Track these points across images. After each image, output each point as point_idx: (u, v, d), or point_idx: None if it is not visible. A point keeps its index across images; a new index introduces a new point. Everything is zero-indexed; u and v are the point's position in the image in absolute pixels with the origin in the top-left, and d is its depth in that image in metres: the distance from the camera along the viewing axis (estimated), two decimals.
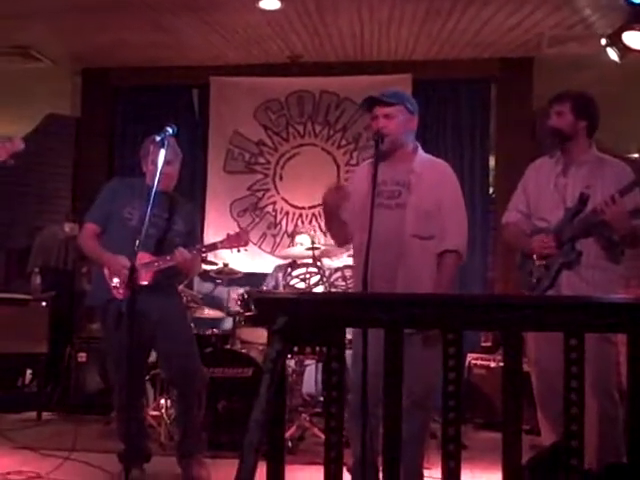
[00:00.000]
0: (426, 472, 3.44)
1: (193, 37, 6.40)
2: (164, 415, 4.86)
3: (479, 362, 5.90)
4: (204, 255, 4.90)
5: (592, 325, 2.08)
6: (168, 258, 3.86)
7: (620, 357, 3.51)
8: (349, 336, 3.94)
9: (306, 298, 2.49)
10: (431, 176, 3.45)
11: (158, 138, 3.63)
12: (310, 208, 6.97)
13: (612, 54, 4.82)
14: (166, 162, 3.64)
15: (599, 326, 2.13)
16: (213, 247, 4.08)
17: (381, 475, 2.17)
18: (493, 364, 5.78)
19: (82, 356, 5.90)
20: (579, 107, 3.65)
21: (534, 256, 3.67)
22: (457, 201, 3.49)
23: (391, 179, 3.43)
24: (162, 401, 4.99)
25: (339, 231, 3.62)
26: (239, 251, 4.05)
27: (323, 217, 3.79)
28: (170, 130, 3.64)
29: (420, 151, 3.55)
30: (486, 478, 3.80)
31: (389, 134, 3.39)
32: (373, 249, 3.07)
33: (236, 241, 4.02)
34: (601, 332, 2.77)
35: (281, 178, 7.09)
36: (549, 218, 3.68)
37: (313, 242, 5.48)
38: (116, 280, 3.83)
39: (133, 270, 3.35)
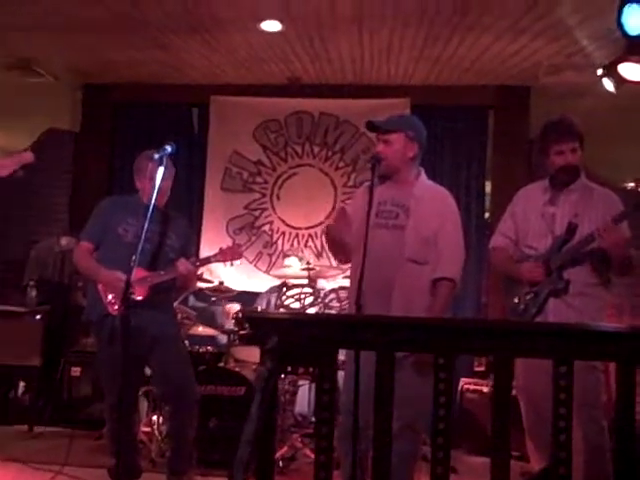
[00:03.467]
0: None
1: (194, 56, 6.45)
2: (156, 431, 4.85)
3: (472, 387, 5.90)
4: (199, 273, 4.94)
5: (582, 352, 2.11)
6: (162, 273, 3.89)
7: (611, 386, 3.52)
8: (342, 357, 3.97)
9: (298, 318, 2.52)
10: (431, 202, 3.49)
11: (157, 156, 3.66)
12: (307, 229, 7.00)
13: (608, 84, 4.88)
14: (162, 179, 3.68)
15: (589, 354, 2.16)
16: (207, 261, 4.11)
17: None
18: (486, 389, 5.77)
19: (76, 370, 5.89)
20: (582, 141, 3.69)
21: (522, 283, 3.69)
22: (455, 229, 3.51)
23: (391, 199, 3.48)
24: (154, 417, 4.98)
25: (342, 251, 3.65)
26: (232, 265, 4.08)
27: (325, 240, 3.84)
28: (169, 148, 3.66)
29: (423, 177, 3.60)
30: None
31: (385, 159, 3.46)
32: (368, 268, 3.12)
33: (229, 255, 4.05)
34: (590, 360, 2.80)
35: (278, 198, 7.12)
36: (536, 246, 3.70)
37: (308, 262, 5.50)
38: (111, 296, 3.85)
39: (128, 285, 3.38)
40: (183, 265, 3.87)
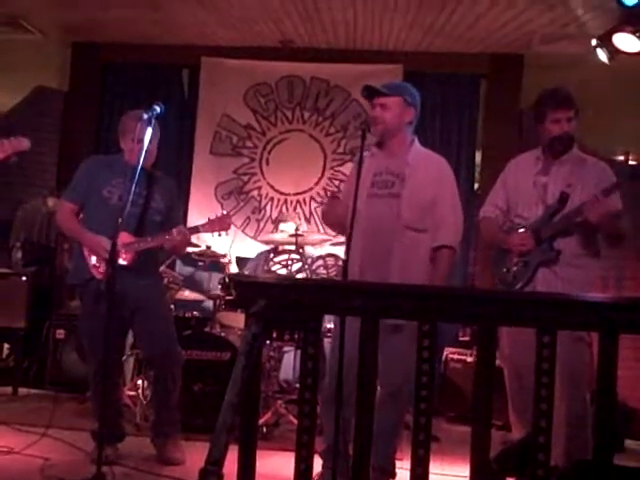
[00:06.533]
0: (398, 463, 3.48)
1: (186, 16, 6.35)
2: (140, 395, 4.84)
3: (456, 356, 5.93)
4: None
5: (565, 322, 2.10)
6: (149, 239, 3.85)
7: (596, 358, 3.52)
8: (330, 325, 3.97)
9: (285, 283, 2.50)
10: (426, 169, 3.50)
11: (146, 116, 3.61)
12: (295, 195, 6.97)
13: (602, 55, 4.85)
14: (150, 140, 3.63)
15: (572, 324, 2.16)
16: (195, 230, 4.07)
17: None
18: (470, 359, 5.80)
19: (60, 333, 5.85)
20: (577, 112, 3.65)
21: (511, 253, 3.68)
22: (453, 196, 3.55)
23: (386, 169, 3.49)
24: (139, 382, 4.98)
25: (341, 230, 3.75)
26: (220, 235, 4.06)
27: (324, 223, 3.94)
28: (158, 109, 3.62)
29: (417, 144, 3.60)
30: (455, 471, 3.83)
31: (382, 123, 3.45)
32: (365, 238, 3.16)
33: (218, 225, 4.02)
34: (574, 329, 2.80)
35: (268, 163, 7.07)
36: (527, 215, 3.68)
37: (297, 229, 5.47)
38: (95, 259, 3.82)
39: (114, 249, 3.35)
40: (179, 233, 3.82)
